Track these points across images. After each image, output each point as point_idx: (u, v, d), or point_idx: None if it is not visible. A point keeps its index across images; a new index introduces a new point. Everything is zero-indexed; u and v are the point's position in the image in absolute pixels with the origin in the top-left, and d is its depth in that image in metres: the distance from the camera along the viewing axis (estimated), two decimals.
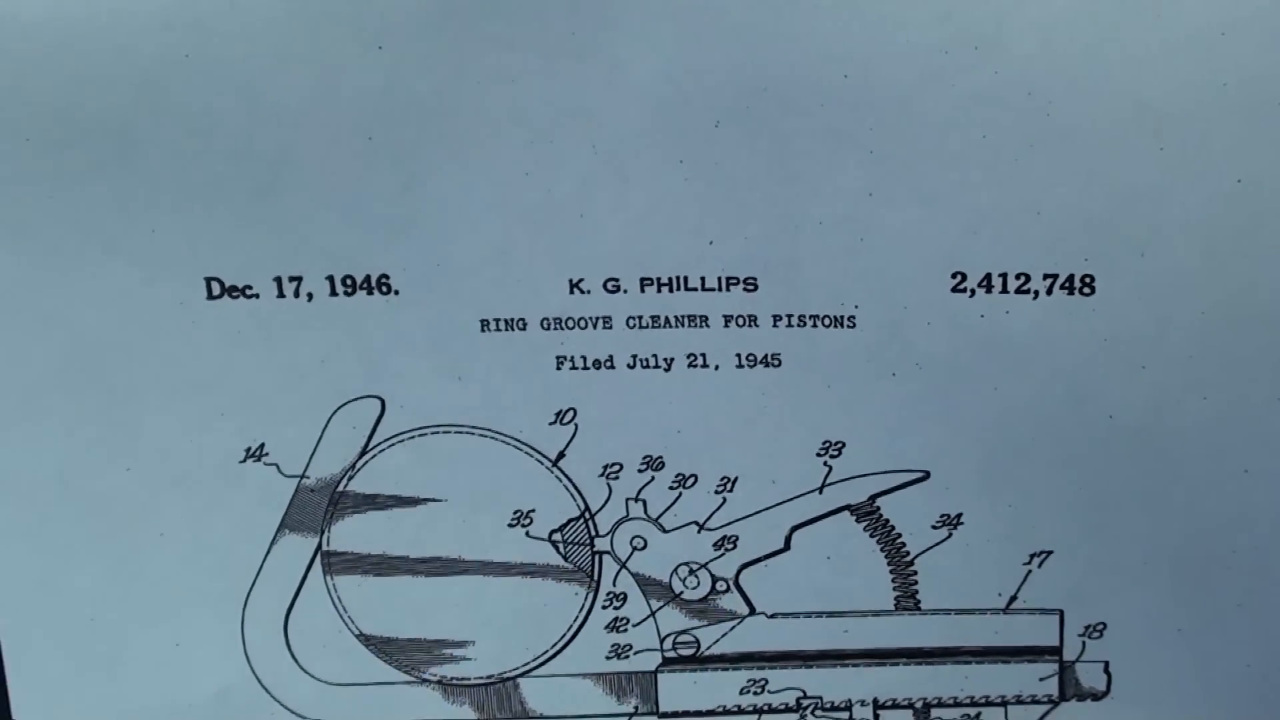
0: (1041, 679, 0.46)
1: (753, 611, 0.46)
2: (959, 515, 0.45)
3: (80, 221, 0.42)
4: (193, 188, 0.42)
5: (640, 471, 0.45)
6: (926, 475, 0.44)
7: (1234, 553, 0.45)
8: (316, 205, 0.42)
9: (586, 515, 0.45)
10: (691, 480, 0.45)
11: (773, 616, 0.46)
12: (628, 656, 0.47)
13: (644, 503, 0.45)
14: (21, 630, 0.46)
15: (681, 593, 0.46)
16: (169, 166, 0.41)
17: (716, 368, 0.43)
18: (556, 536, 0.45)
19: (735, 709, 0.47)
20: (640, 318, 0.43)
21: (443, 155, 0.41)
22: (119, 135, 0.41)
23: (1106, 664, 0.46)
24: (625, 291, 0.42)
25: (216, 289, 0.43)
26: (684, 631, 0.46)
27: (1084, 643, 0.46)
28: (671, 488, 0.45)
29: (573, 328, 0.43)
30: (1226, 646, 0.46)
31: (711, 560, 0.46)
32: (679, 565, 0.46)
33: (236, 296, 0.43)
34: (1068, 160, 0.41)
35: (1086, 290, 0.42)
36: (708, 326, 0.43)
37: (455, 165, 0.41)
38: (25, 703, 0.46)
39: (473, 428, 0.44)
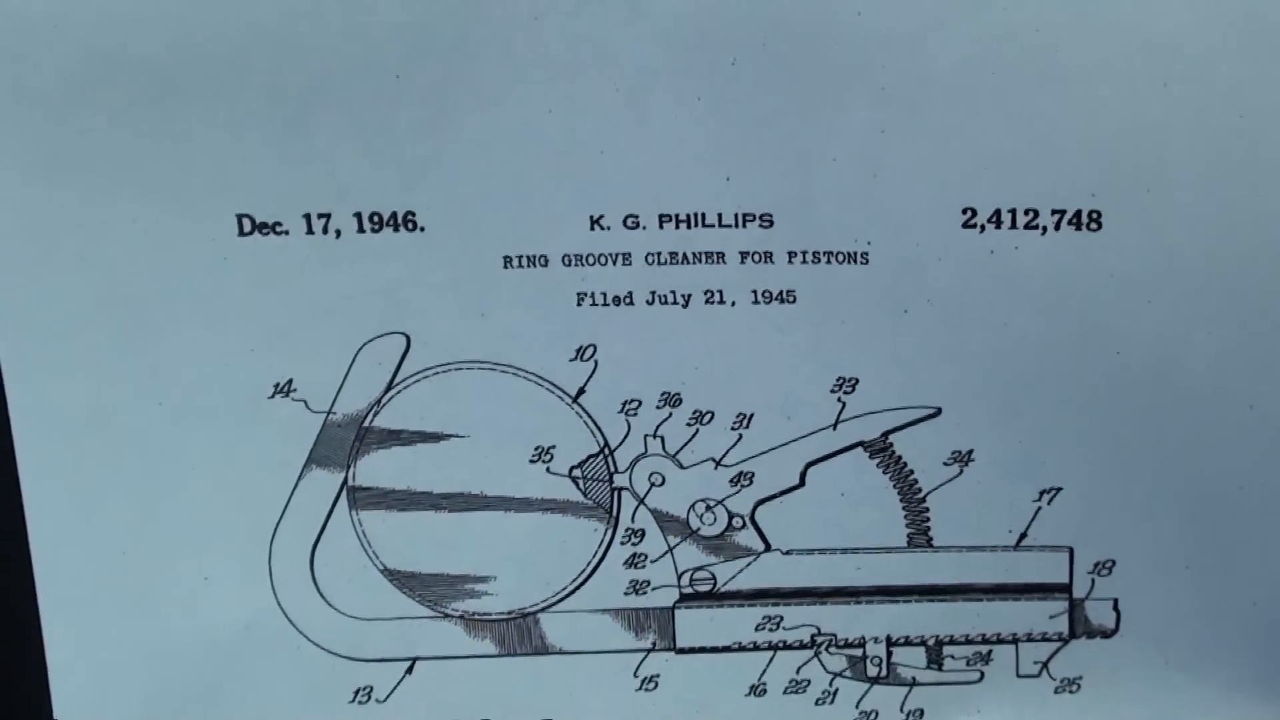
0: (1052, 616, 0.47)
1: (768, 548, 0.47)
2: (970, 452, 0.45)
3: (115, 159, 0.43)
4: (225, 127, 0.43)
5: (659, 408, 0.46)
6: (938, 412, 0.45)
7: (1240, 489, 0.45)
8: (345, 143, 0.43)
9: (606, 451, 0.46)
10: (709, 417, 0.46)
11: (788, 553, 0.47)
12: (645, 592, 0.47)
13: (662, 439, 0.46)
14: (55, 563, 0.47)
15: (698, 529, 0.47)
16: (202, 106, 0.42)
17: (733, 304, 0.44)
18: (576, 472, 0.46)
19: (751, 645, 0.48)
20: (659, 254, 0.44)
21: (468, 94, 0.42)
22: (153, 75, 0.42)
23: (1115, 601, 0.47)
24: (644, 228, 0.43)
25: (247, 226, 0.44)
26: (701, 568, 0.47)
27: (1093, 580, 0.47)
28: (689, 424, 0.46)
29: (593, 264, 0.44)
30: (1233, 583, 0.46)
31: (728, 497, 0.46)
32: (696, 501, 0.47)
33: (267, 233, 0.44)
34: (1075, 97, 0.42)
35: (1094, 226, 0.43)
36: (724, 263, 0.44)
37: (480, 104, 0.42)
38: (58, 635, 0.47)
39: (495, 364, 0.45)
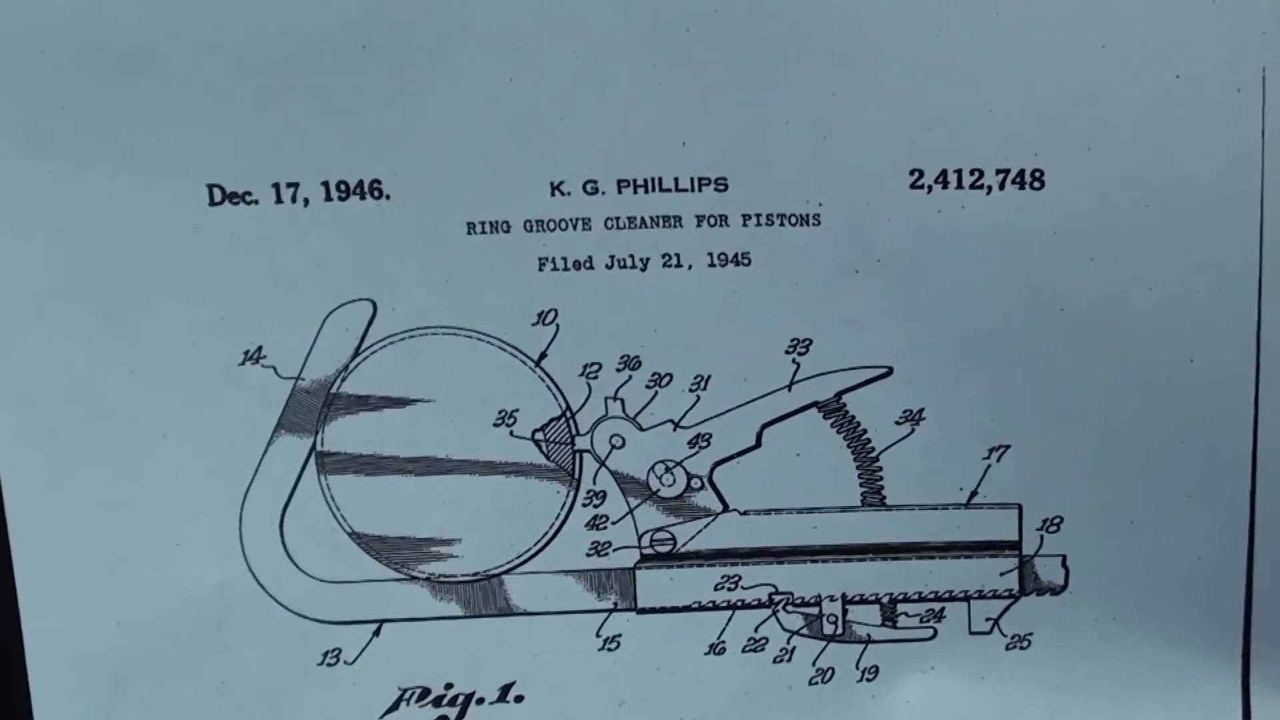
0: (1002, 574, 0.48)
1: (726, 508, 0.48)
2: (920, 410, 0.47)
3: (91, 132, 0.44)
4: (196, 99, 0.44)
5: (618, 371, 0.47)
6: (890, 371, 0.46)
7: (1182, 443, 0.47)
8: (313, 114, 0.44)
9: (567, 414, 0.47)
10: (667, 379, 0.47)
11: (745, 513, 0.48)
12: (607, 554, 0.49)
13: (622, 401, 0.47)
14: (30, 528, 0.47)
15: (658, 490, 0.48)
16: (174, 79, 0.44)
17: (690, 267, 0.46)
18: (539, 435, 0.47)
19: (710, 604, 0.49)
20: (618, 219, 0.45)
21: (432, 63, 0.44)
22: (128, 50, 0.43)
23: (1064, 558, 0.48)
24: (603, 193, 0.45)
25: (218, 195, 0.45)
26: (661, 529, 0.48)
27: (1042, 537, 0.48)
28: (648, 386, 0.47)
29: (554, 229, 0.45)
30: (1178, 538, 0.48)
31: (687, 458, 0.48)
32: (656, 463, 0.48)
33: (237, 203, 0.45)
34: (1016, 59, 0.43)
35: (1037, 184, 0.44)
36: (681, 227, 0.45)
37: (444, 73, 0.44)
38: (33, 598, 0.48)
39: (459, 329, 0.46)
